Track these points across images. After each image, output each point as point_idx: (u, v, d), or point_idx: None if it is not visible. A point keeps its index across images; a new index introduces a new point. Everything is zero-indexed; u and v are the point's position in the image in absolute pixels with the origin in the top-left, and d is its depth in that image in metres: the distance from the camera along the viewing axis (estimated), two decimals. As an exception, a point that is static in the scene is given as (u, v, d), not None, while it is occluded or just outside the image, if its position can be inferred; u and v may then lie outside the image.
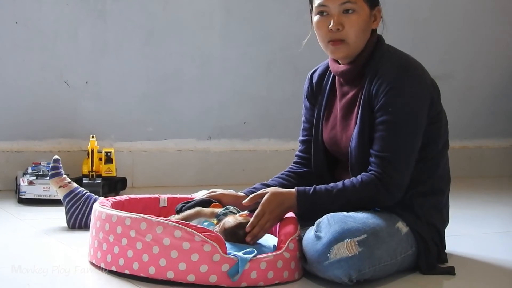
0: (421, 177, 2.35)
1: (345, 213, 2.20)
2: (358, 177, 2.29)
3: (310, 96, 2.60)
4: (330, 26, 2.35)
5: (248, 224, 2.20)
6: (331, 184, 2.31)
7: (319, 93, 2.57)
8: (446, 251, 2.47)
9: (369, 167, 2.30)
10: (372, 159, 2.30)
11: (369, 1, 2.37)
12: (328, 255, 2.09)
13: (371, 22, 2.39)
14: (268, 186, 2.50)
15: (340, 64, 2.44)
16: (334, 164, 2.55)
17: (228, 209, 2.35)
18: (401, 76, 2.31)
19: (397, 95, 2.29)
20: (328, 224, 2.15)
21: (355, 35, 2.35)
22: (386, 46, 2.42)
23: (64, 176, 2.86)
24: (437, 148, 2.39)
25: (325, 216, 2.19)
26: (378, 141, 2.29)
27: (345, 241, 2.10)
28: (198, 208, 2.39)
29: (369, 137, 2.33)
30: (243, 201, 2.33)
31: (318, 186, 2.30)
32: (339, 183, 2.30)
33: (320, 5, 2.37)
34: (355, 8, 2.34)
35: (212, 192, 2.46)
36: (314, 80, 2.59)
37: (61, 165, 2.86)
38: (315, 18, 2.40)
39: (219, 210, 2.36)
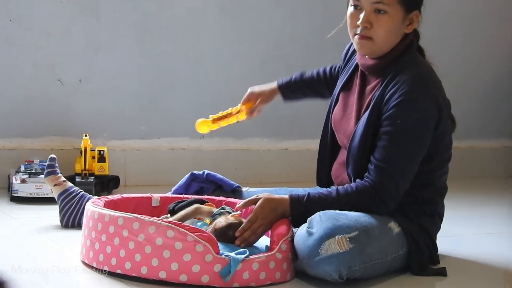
0: (414, 190, 2.36)
1: (337, 211, 2.22)
2: (353, 184, 2.30)
3: (343, 60, 2.66)
4: (358, 22, 2.36)
5: (240, 228, 2.22)
6: (325, 192, 2.32)
7: (345, 67, 2.60)
8: (437, 252, 2.47)
9: (366, 174, 2.31)
10: (370, 166, 2.30)
11: (405, 4, 2.35)
12: (319, 250, 2.11)
13: (405, 26, 2.39)
14: (302, 77, 2.82)
15: (366, 57, 2.45)
16: (336, 150, 2.56)
17: (224, 209, 2.36)
18: (416, 88, 2.30)
19: (407, 108, 2.29)
20: (320, 220, 2.16)
21: (383, 36, 2.35)
22: (414, 54, 2.42)
23: (60, 174, 2.87)
24: (432, 166, 2.39)
25: (317, 213, 2.20)
26: (380, 150, 2.30)
27: (336, 237, 2.11)
28: (196, 205, 2.40)
29: (371, 140, 2.34)
30: (237, 206, 2.35)
31: (312, 193, 2.31)
32: (333, 191, 2.31)
33: None
34: (387, 10, 2.33)
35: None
36: (350, 51, 2.63)
37: (56, 163, 2.86)
38: (349, 8, 2.41)
39: (215, 209, 2.38)
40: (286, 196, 2.30)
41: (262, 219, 2.25)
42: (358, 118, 2.42)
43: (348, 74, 2.56)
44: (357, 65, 2.53)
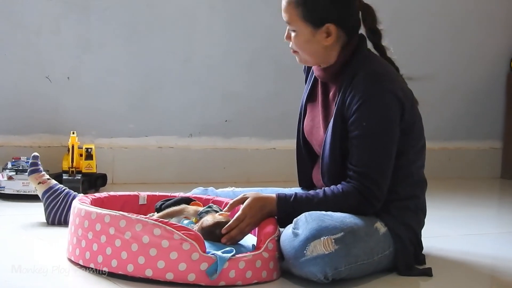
0: (394, 185, 2.36)
1: (323, 212, 2.22)
2: (339, 186, 2.31)
3: (305, 71, 2.68)
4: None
5: (226, 226, 2.22)
6: (312, 192, 2.33)
7: (306, 78, 2.62)
8: (423, 252, 2.48)
9: (348, 179, 2.32)
10: (350, 172, 2.32)
11: (309, 21, 2.36)
12: (305, 251, 2.11)
13: (322, 39, 2.38)
14: None
15: (319, 68, 2.48)
16: (314, 159, 2.57)
17: (210, 207, 2.36)
18: (372, 88, 2.32)
19: (369, 108, 2.30)
20: (306, 221, 2.16)
21: (302, 50, 2.42)
22: (365, 54, 2.43)
23: (43, 172, 2.86)
24: (408, 158, 2.40)
25: (303, 214, 2.21)
26: (355, 155, 2.32)
27: (321, 238, 2.11)
28: (183, 205, 2.41)
29: (340, 147, 2.35)
30: (224, 209, 2.35)
31: (299, 193, 2.32)
32: (320, 192, 2.32)
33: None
34: (295, 29, 2.40)
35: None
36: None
37: (40, 162, 2.86)
38: None
39: (202, 208, 2.38)
40: (274, 195, 2.31)
41: (250, 218, 2.25)
42: (326, 127, 2.43)
43: (310, 84, 2.59)
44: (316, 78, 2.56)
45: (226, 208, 2.35)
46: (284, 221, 2.27)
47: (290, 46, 2.45)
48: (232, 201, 2.35)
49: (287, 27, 2.43)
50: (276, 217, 2.31)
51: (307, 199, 2.30)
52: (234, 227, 2.23)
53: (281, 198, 2.30)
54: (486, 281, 2.47)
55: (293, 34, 2.40)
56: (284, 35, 2.45)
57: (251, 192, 2.39)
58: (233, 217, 2.27)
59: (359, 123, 2.30)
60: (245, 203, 2.29)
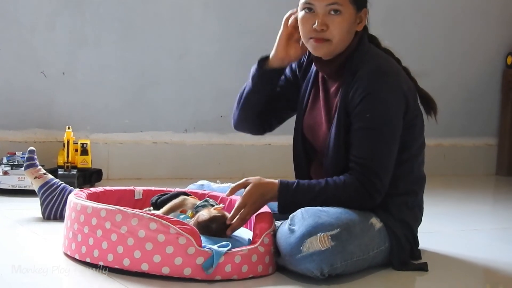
0: (394, 180, 2.36)
1: (319, 207, 2.22)
2: (341, 177, 2.30)
3: (295, 70, 2.61)
4: (314, 26, 2.32)
5: (229, 216, 2.22)
6: (314, 181, 2.32)
7: (304, 76, 2.58)
8: (419, 247, 2.48)
9: (350, 171, 2.31)
10: (352, 164, 2.31)
11: (356, 3, 2.34)
12: (301, 248, 2.11)
13: (356, 24, 2.38)
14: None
15: (322, 60, 2.44)
16: (311, 155, 2.57)
17: (207, 201, 2.36)
18: (376, 81, 2.31)
19: (373, 101, 2.30)
20: (302, 217, 2.16)
21: (339, 36, 2.33)
22: (367, 47, 2.42)
23: (40, 167, 2.86)
24: (410, 152, 2.40)
25: (299, 210, 2.21)
26: (357, 147, 2.31)
27: (318, 235, 2.11)
28: (183, 197, 2.40)
29: (344, 141, 2.35)
30: (225, 194, 2.35)
31: (301, 181, 2.31)
32: (322, 181, 2.31)
33: (307, 2, 2.35)
34: (341, 10, 2.32)
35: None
36: (305, 62, 2.59)
37: (36, 156, 2.86)
38: (301, 13, 2.37)
39: (199, 202, 2.38)
40: (276, 181, 2.30)
41: (250, 206, 2.25)
42: (328, 122, 2.42)
43: (310, 83, 2.55)
44: (317, 73, 2.52)
45: (228, 192, 2.34)
46: (285, 208, 2.27)
47: (314, 36, 2.33)
48: (234, 184, 2.34)
49: (320, 15, 2.31)
50: (277, 203, 2.30)
51: (309, 187, 2.29)
52: (236, 216, 2.23)
53: (283, 185, 2.29)
54: (481, 276, 2.48)
55: (335, 17, 2.32)
56: (316, 23, 2.31)
57: (253, 177, 2.36)
58: (228, 211, 2.27)
59: (363, 115, 2.30)
60: (246, 190, 2.28)
